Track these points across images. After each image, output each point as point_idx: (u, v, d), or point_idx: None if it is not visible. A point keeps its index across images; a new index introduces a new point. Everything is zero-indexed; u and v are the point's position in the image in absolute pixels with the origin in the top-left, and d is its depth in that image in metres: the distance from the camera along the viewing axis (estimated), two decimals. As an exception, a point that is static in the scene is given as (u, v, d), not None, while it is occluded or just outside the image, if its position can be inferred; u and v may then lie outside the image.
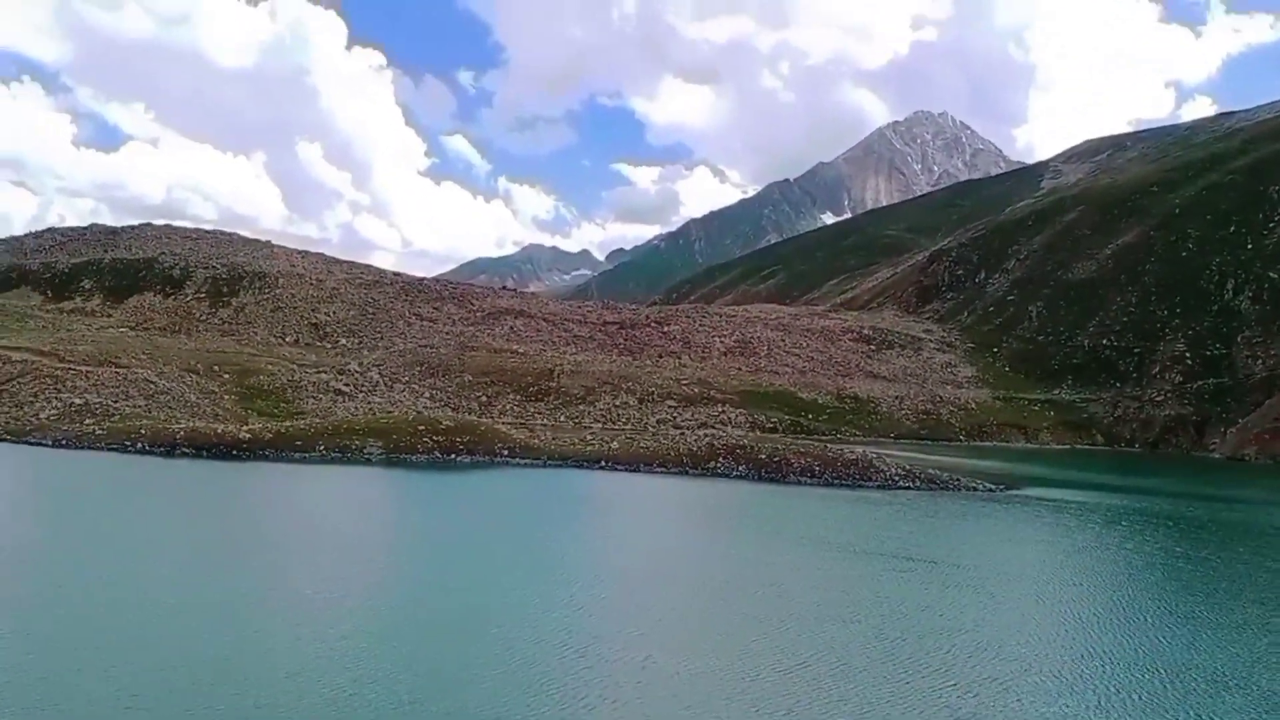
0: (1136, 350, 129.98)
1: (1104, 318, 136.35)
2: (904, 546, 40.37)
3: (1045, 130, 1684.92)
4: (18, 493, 46.91)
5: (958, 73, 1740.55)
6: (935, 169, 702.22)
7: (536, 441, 67.38)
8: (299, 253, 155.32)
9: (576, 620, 26.69)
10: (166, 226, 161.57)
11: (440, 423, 66.24)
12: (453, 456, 62.13)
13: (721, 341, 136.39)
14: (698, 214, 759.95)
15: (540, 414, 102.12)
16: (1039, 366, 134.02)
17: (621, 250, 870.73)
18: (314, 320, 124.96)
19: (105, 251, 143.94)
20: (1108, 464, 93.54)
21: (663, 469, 63.24)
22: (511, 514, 47.12)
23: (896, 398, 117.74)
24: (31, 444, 59.88)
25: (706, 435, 73.07)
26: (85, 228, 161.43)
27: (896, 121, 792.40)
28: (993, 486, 62.64)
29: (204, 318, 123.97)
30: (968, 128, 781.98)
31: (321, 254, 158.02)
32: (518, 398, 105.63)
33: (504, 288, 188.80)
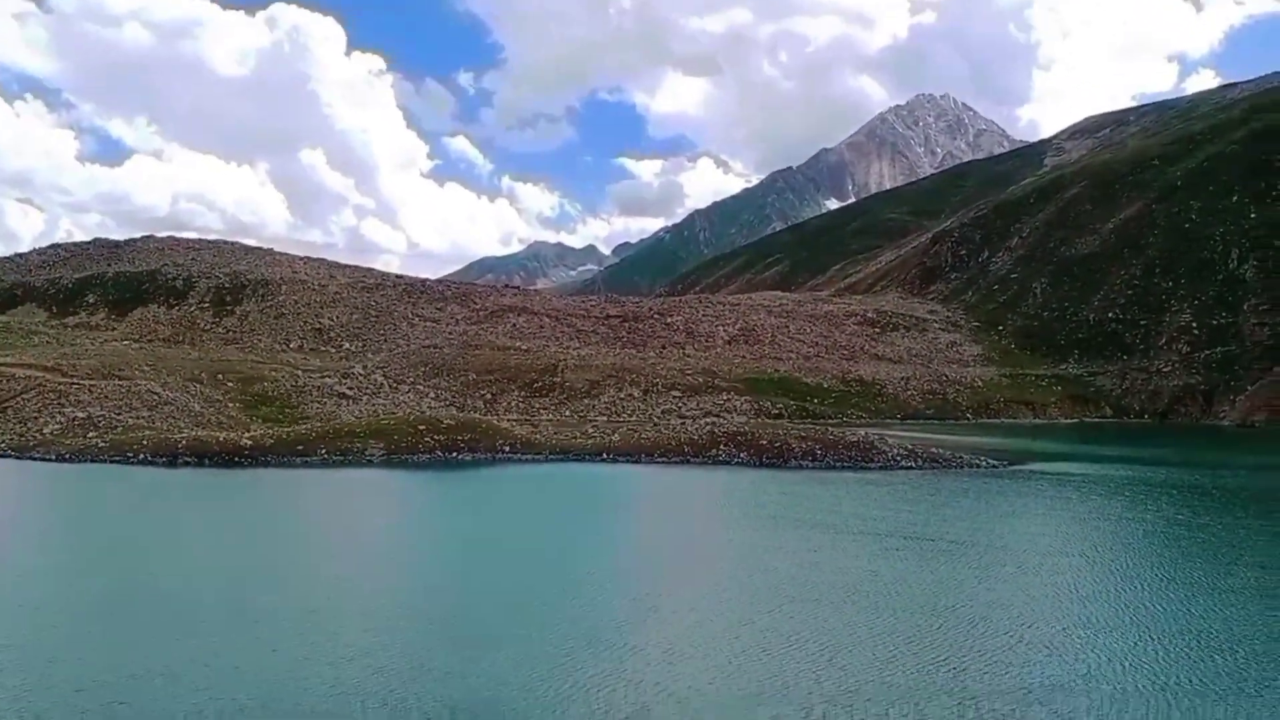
0: (1142, 322, 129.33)
1: (1108, 291, 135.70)
2: (901, 525, 40.33)
3: (1048, 109, 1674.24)
4: (14, 509, 47.22)
5: (958, 55, 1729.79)
6: (939, 151, 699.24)
7: (538, 437, 67.45)
8: (301, 259, 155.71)
9: (591, 608, 26.77)
10: (169, 238, 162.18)
11: (441, 422, 66.35)
12: (454, 455, 62.23)
13: (725, 330, 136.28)
14: (702, 205, 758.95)
15: (545, 409, 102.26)
16: (1045, 342, 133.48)
17: (627, 244, 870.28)
18: (317, 325, 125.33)
19: (108, 265, 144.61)
20: (1115, 436, 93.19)
21: (664, 459, 63.24)
22: (514, 510, 47.27)
23: (902, 379, 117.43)
24: (35, 459, 60.20)
25: (707, 424, 73.12)
26: (88, 242, 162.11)
27: (898, 105, 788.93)
28: (995, 463, 62.45)
29: (208, 327, 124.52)
30: (970, 109, 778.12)
31: (324, 259, 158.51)
32: (522, 394, 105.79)
33: (507, 285, 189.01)
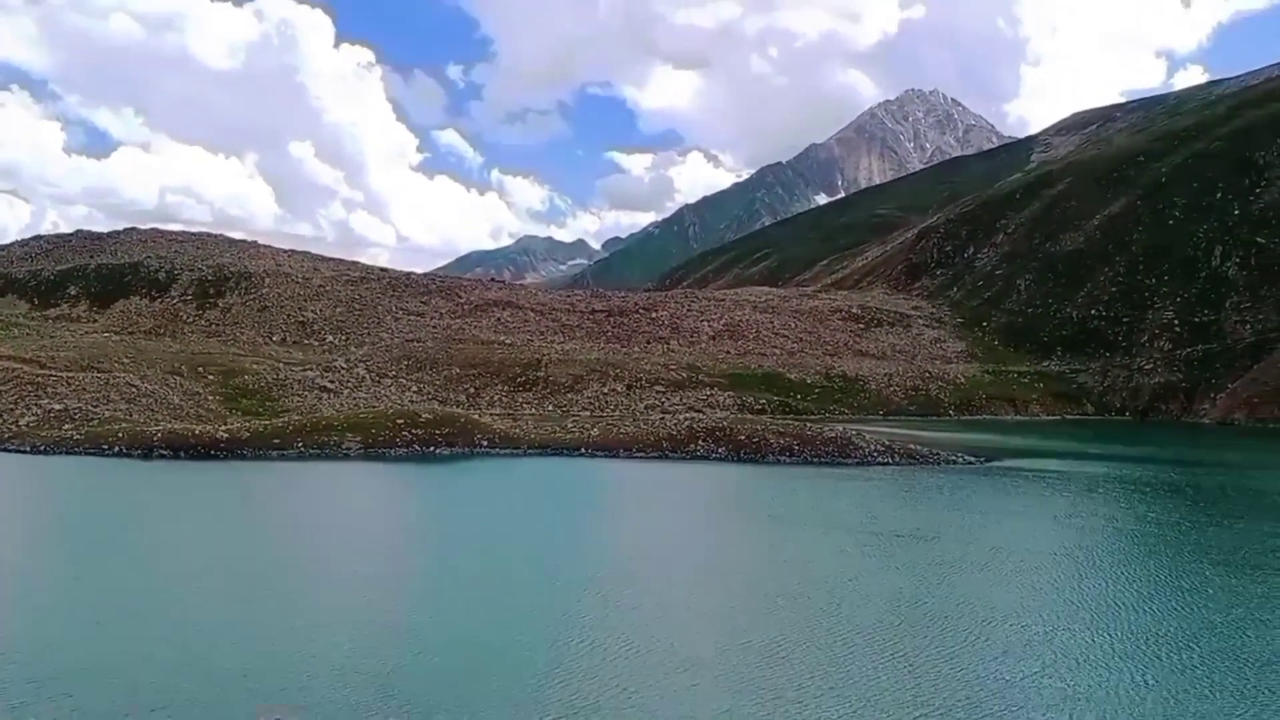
0: (1125, 319, 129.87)
1: (1092, 288, 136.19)
2: (869, 520, 40.42)
3: (1037, 104, 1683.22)
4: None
5: (947, 50, 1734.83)
6: (928, 146, 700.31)
7: (517, 431, 67.34)
8: (285, 251, 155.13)
9: (560, 606, 26.75)
10: (152, 230, 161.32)
11: (420, 416, 66.18)
12: (432, 449, 62.10)
13: (710, 326, 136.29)
14: (692, 200, 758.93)
15: (528, 404, 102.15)
16: (1028, 339, 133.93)
17: (617, 239, 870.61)
18: (301, 318, 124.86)
19: (91, 257, 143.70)
20: (1096, 433, 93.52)
21: (642, 454, 63.27)
22: (483, 504, 47.16)
23: (885, 375, 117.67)
24: (9, 451, 59.83)
25: (686, 419, 73.11)
26: (71, 234, 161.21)
27: (888, 100, 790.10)
28: (973, 459, 62.67)
29: (190, 320, 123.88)
30: (959, 104, 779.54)
31: (308, 252, 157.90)
32: (505, 388, 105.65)
33: (492, 280, 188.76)
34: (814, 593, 28.33)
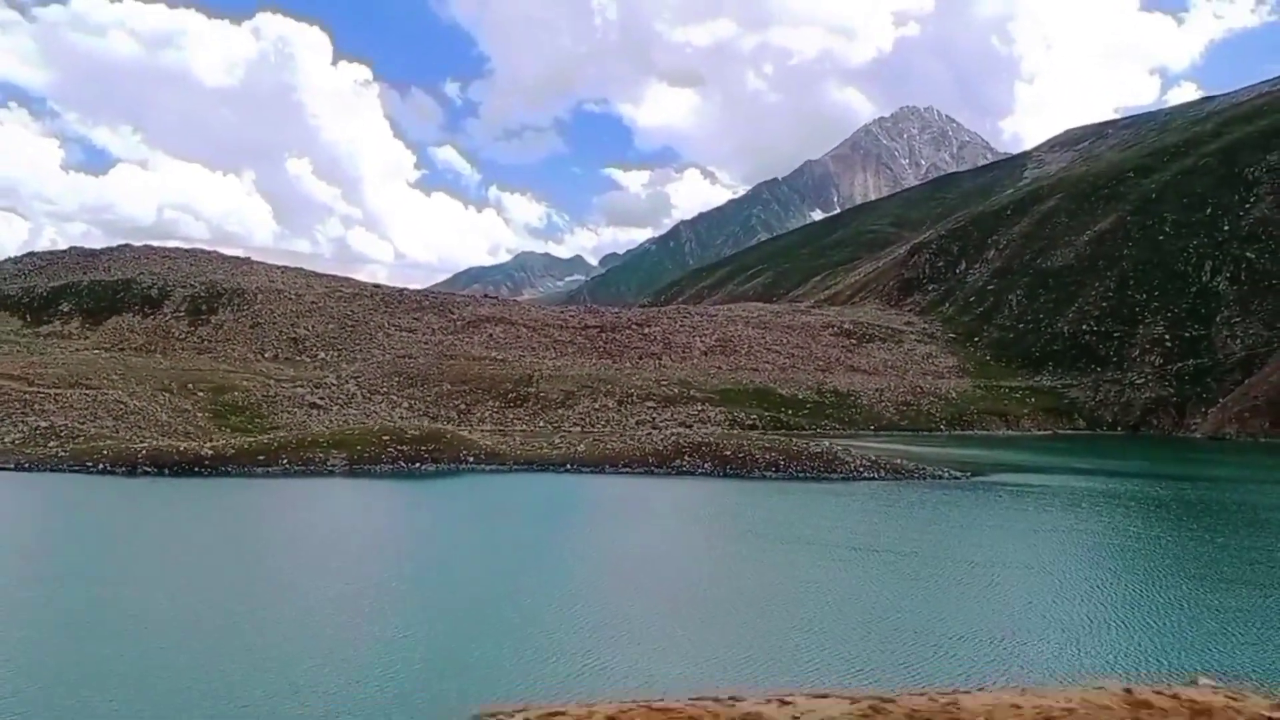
0: (1116, 334, 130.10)
1: (1083, 303, 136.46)
2: (846, 536, 40.46)
3: (1032, 121, 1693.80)
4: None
5: (942, 67, 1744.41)
6: (923, 163, 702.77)
7: (503, 447, 67.36)
8: (279, 268, 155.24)
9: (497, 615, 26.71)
10: (145, 247, 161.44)
11: (406, 432, 66.20)
12: (418, 465, 62.12)
13: (702, 341, 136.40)
14: (689, 216, 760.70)
15: (519, 420, 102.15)
16: (1020, 354, 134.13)
17: (615, 255, 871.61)
18: (293, 335, 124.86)
19: (84, 274, 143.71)
20: (1086, 448, 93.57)
21: (628, 469, 63.31)
22: (460, 522, 47.10)
23: (877, 390, 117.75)
24: (-6, 468, 59.77)
25: (672, 434, 73.11)
26: (64, 251, 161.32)
27: (883, 117, 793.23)
28: (958, 474, 62.71)
29: (182, 336, 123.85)
30: (954, 121, 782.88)
31: (301, 269, 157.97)
32: (496, 404, 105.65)
33: (485, 296, 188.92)
34: (776, 609, 28.31)
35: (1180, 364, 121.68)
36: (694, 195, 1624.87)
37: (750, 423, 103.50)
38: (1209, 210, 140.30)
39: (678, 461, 64.03)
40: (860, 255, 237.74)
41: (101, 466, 58.99)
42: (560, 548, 39.14)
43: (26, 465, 59.93)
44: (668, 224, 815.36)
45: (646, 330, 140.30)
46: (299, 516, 47.95)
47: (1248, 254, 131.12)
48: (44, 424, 69.78)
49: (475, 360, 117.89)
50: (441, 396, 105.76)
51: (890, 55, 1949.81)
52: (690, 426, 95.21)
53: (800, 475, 61.28)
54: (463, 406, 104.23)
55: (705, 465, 63.45)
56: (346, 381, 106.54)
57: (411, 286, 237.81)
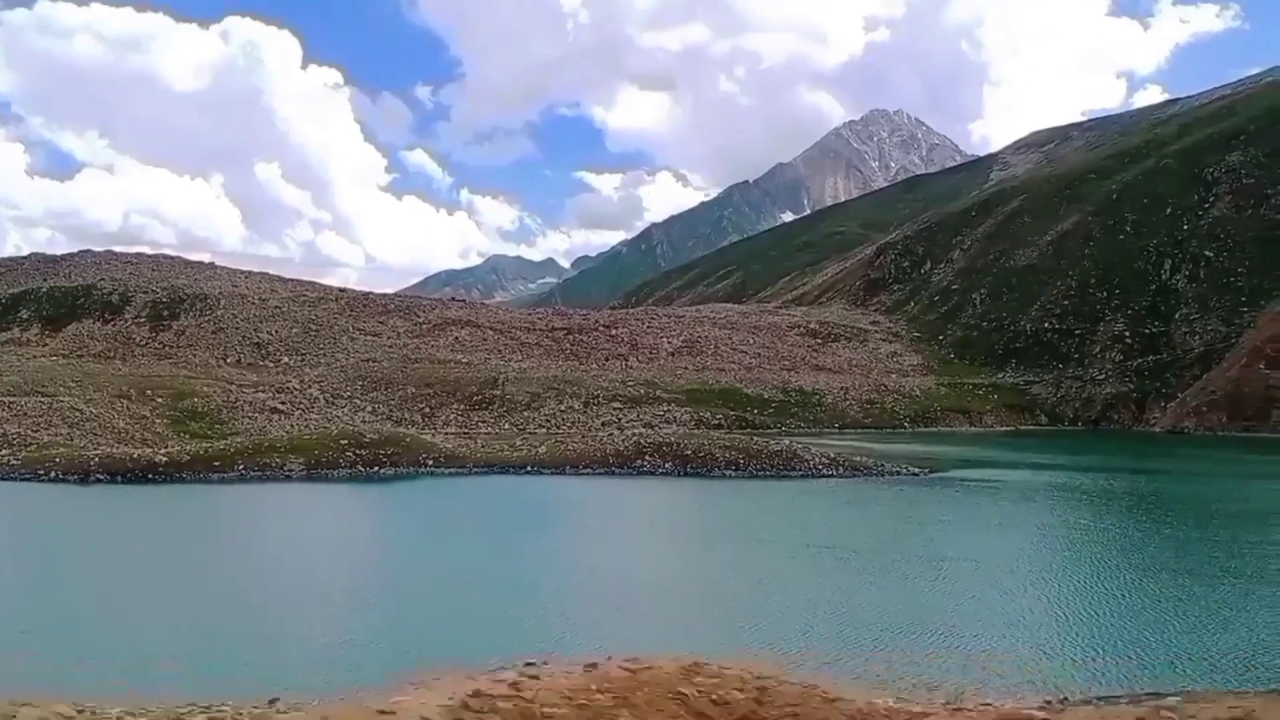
0: (1078, 332, 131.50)
1: (1045, 302, 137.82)
2: (797, 533, 40.61)
3: (1000, 124, 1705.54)
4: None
5: (912, 71, 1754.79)
6: (892, 165, 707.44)
7: (463, 450, 67.12)
8: (242, 273, 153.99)
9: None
10: (107, 252, 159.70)
11: (364, 436, 65.81)
12: (376, 469, 61.74)
13: (669, 342, 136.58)
14: (661, 219, 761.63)
15: (484, 423, 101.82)
16: (983, 352, 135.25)
17: (587, 257, 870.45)
18: (256, 340, 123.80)
19: (44, 280, 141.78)
20: (1046, 443, 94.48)
21: (589, 470, 63.23)
22: (408, 526, 46.79)
23: (842, 389, 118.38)
24: (-57, 476, 58.82)
25: (634, 434, 73.18)
26: (24, 257, 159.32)
27: (853, 121, 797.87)
28: (916, 470, 63.16)
29: (143, 342, 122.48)
30: (923, 124, 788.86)
31: (265, 273, 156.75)
32: (461, 407, 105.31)
33: (453, 299, 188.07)
34: (713, 607, 28.36)
35: (1140, 360, 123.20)
36: (666, 198, 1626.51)
37: (716, 422, 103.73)
38: (1169, 210, 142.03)
39: (639, 462, 64.07)
40: (828, 256, 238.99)
41: (54, 474, 58.18)
42: (501, 549, 38.93)
43: (-24, 473, 58.99)
44: (640, 226, 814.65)
45: (614, 332, 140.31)
46: (241, 522, 47.43)
47: (1206, 252, 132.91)
48: (-4, 431, 68.78)
49: (440, 363, 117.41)
50: (406, 400, 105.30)
51: (861, 59, 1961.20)
52: (656, 427, 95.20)
53: (760, 474, 61.49)
54: (428, 410, 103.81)
55: (666, 465, 63.53)
56: (310, 386, 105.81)
57: (383, 290, 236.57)
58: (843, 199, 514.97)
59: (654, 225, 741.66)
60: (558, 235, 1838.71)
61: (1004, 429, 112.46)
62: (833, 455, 65.15)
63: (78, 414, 79.52)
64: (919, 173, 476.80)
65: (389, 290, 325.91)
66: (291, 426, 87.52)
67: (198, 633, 25.18)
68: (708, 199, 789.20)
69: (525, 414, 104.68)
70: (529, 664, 9.81)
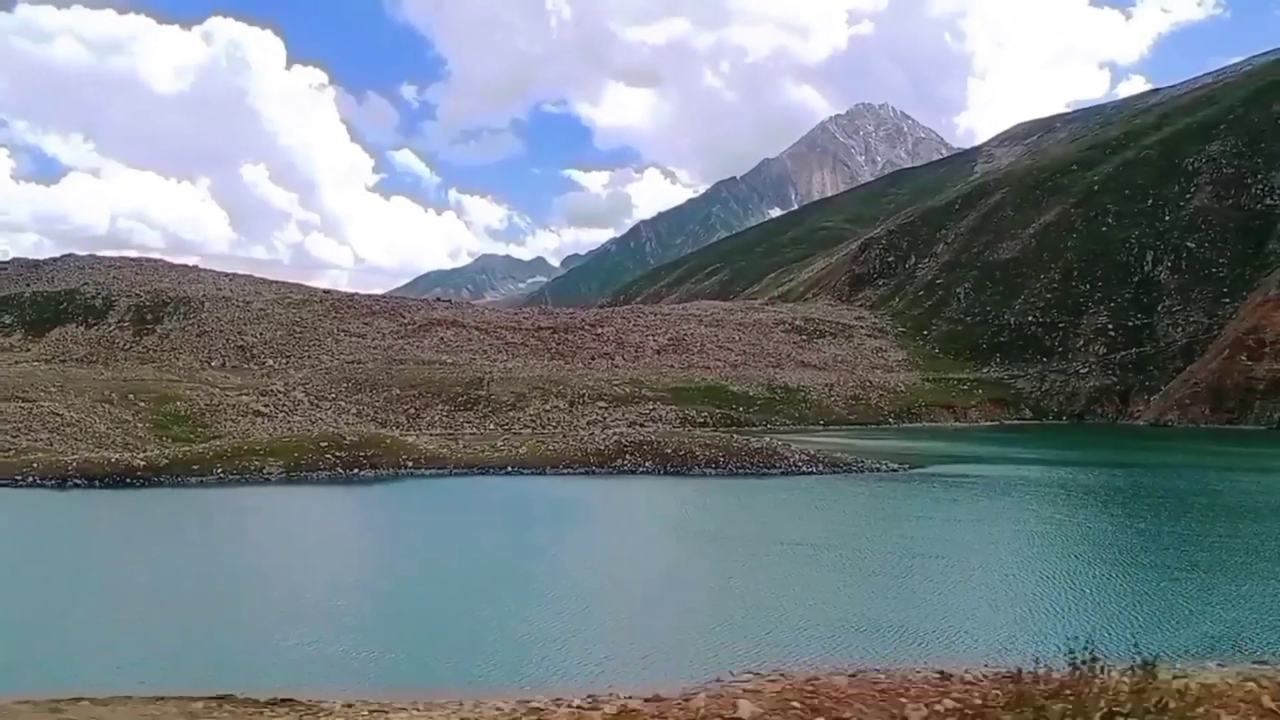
0: (1061, 325, 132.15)
1: (1029, 295, 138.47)
2: (772, 530, 40.76)
3: (985, 116, 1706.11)
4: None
5: (896, 64, 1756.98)
6: (879, 159, 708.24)
7: (444, 451, 67.05)
8: (227, 275, 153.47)
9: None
10: (90, 257, 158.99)
11: (343, 438, 65.69)
12: (356, 472, 61.63)
13: (655, 340, 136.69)
14: (649, 216, 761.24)
15: (469, 423, 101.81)
16: (968, 346, 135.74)
17: (576, 255, 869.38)
18: (240, 343, 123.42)
19: (26, 286, 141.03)
20: (1029, 438, 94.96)
21: (569, 470, 63.22)
22: (379, 529, 46.64)
23: (826, 385, 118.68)
24: (-80, 484, 58.50)
25: (614, 434, 73.21)
26: (7, 262, 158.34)
27: (838, 115, 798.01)
28: (896, 466, 63.36)
29: (127, 346, 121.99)
30: (908, 118, 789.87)
31: (250, 275, 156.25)
32: (446, 408, 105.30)
33: (438, 299, 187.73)
34: (674, 604, 28.44)
35: (1123, 353, 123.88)
36: (655, 195, 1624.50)
37: (701, 420, 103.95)
38: (1150, 201, 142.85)
39: (619, 461, 64.10)
40: (815, 252, 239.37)
41: (31, 480, 57.92)
42: (466, 550, 38.95)
43: (-47, 481, 58.69)
44: (629, 224, 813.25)
45: (599, 330, 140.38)
46: (212, 525, 47.22)
47: (1188, 243, 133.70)
48: (-26, 438, 68.48)
49: (425, 364, 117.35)
50: (390, 401, 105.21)
51: (845, 53, 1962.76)
52: (641, 425, 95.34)
53: (740, 472, 61.61)
54: (412, 411, 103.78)
55: (647, 464, 63.60)
56: (294, 389, 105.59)
57: (372, 292, 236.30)
58: (830, 194, 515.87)
59: (642, 223, 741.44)
60: (547, 234, 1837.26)
61: (988, 424, 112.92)
62: (812, 452, 65.34)
63: (58, 419, 79.22)
64: (905, 166, 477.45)
65: (379, 291, 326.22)
66: (275, 429, 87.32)
67: (141, 629, 25.17)
68: (695, 196, 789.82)
69: (510, 414, 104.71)
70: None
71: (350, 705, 14.31)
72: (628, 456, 64.51)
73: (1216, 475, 60.76)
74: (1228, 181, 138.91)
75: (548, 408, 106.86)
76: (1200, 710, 8.87)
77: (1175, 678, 10.27)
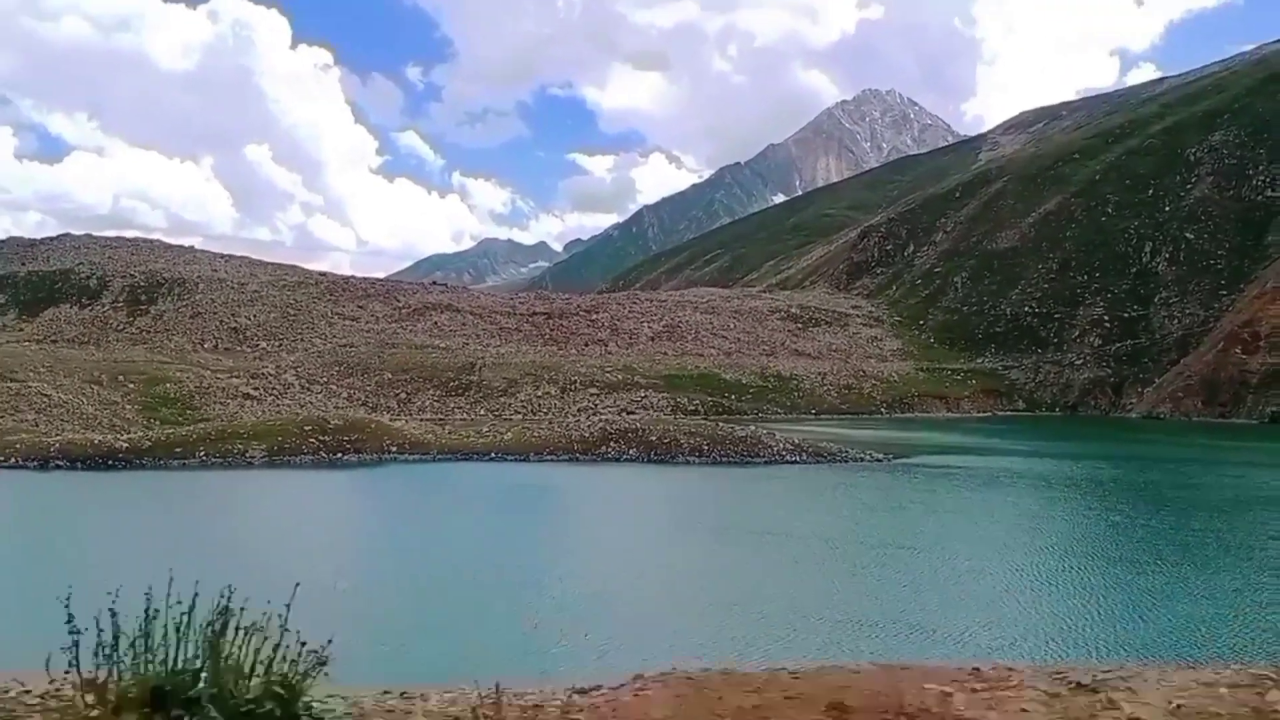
0: (1057, 315, 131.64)
1: (1025, 285, 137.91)
2: (744, 519, 40.64)
3: (993, 103, 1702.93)
4: None
5: (905, 49, 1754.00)
6: (884, 146, 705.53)
7: (428, 437, 67.01)
8: (223, 257, 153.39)
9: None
10: (86, 236, 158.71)
11: (328, 422, 65.65)
12: (340, 456, 61.62)
13: (649, 327, 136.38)
14: (654, 201, 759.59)
15: (460, 408, 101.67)
16: (963, 336, 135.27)
17: (579, 240, 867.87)
18: (234, 325, 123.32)
19: (22, 265, 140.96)
20: (1019, 429, 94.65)
21: (553, 456, 63.15)
22: (353, 514, 46.56)
23: (820, 374, 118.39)
24: (-98, 463, 58.54)
25: (599, 420, 73.14)
26: (2, 241, 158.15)
27: (845, 101, 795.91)
28: (880, 456, 63.23)
29: (120, 327, 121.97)
30: (915, 104, 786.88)
31: (246, 257, 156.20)
32: (438, 393, 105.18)
33: (434, 283, 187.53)
34: (625, 594, 28.33)
35: (1118, 344, 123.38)
36: (659, 179, 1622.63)
37: (693, 408, 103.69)
38: (1151, 191, 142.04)
39: (604, 448, 64.04)
40: (815, 239, 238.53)
41: (13, 461, 57.94)
42: (426, 539, 38.85)
43: (-65, 461, 58.72)
44: (633, 209, 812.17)
45: (594, 316, 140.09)
46: (180, 509, 47.08)
47: (1187, 234, 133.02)
48: (-41, 419, 68.50)
49: (418, 349, 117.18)
50: (382, 386, 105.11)
51: (853, 37, 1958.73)
52: (632, 413, 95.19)
53: (724, 460, 61.53)
54: (403, 396, 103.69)
55: (631, 451, 63.52)
56: (285, 372, 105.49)
57: (374, 275, 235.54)
58: (834, 180, 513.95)
59: (645, 208, 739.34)
60: (550, 218, 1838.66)
61: (981, 415, 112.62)
62: (797, 441, 65.18)
63: (46, 400, 79.24)
64: (910, 153, 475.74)
65: (380, 275, 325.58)
66: (263, 412, 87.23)
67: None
68: (700, 180, 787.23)
69: (501, 400, 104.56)
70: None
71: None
72: (612, 444, 64.43)
73: (1201, 469, 60.59)
74: (1229, 172, 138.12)
75: (539, 394, 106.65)
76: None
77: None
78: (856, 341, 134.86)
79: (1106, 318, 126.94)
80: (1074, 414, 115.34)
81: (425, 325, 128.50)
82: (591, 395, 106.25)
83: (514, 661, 20.95)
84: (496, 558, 33.65)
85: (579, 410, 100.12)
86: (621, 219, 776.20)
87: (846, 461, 61.72)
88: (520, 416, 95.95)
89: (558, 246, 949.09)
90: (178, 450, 59.71)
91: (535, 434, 67.84)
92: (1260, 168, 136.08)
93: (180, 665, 4.21)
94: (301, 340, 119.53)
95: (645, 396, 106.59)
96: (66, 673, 4.32)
